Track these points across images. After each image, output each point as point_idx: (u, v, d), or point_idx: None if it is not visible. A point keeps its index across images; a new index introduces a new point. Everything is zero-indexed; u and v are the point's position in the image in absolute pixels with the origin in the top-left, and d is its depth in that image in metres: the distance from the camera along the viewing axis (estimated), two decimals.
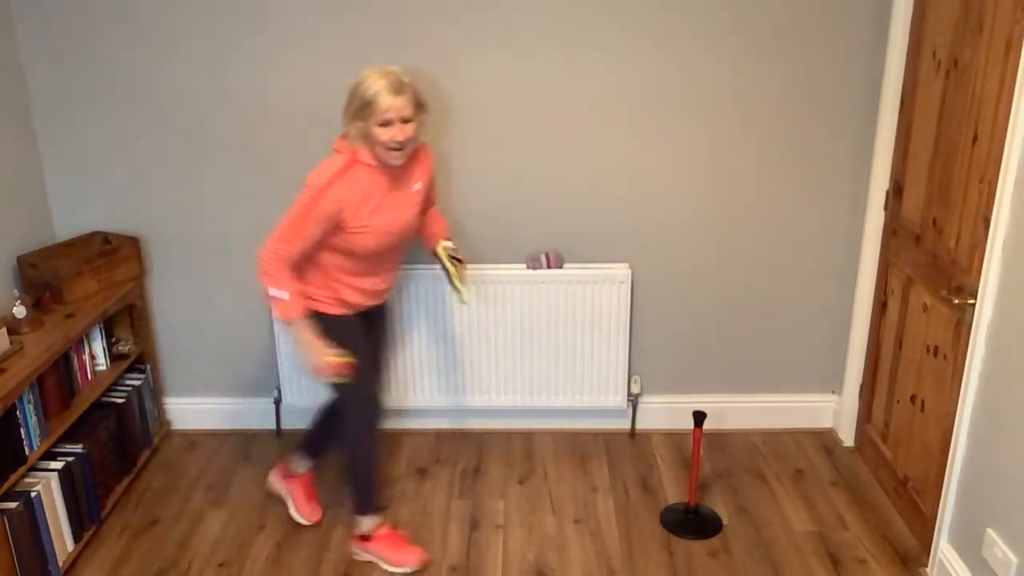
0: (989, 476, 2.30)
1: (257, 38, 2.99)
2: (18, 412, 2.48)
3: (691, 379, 3.40)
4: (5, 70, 2.96)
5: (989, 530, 2.29)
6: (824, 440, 3.38)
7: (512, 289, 3.19)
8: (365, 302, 2.61)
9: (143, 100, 3.08)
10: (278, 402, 3.45)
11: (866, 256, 3.14)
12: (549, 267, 3.18)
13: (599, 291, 3.18)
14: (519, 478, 3.18)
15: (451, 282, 2.66)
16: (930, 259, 2.66)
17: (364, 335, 2.63)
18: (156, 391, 3.39)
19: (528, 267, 3.20)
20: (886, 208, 3.03)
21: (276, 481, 3.01)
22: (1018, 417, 2.16)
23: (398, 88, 2.29)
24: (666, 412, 3.44)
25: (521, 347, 3.26)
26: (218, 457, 3.34)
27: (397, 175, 2.45)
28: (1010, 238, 2.17)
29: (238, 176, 3.17)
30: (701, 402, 3.38)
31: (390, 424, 3.48)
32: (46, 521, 2.56)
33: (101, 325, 3.01)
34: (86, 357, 2.95)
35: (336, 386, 2.60)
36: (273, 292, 2.41)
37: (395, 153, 2.35)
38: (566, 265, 3.22)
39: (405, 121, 2.32)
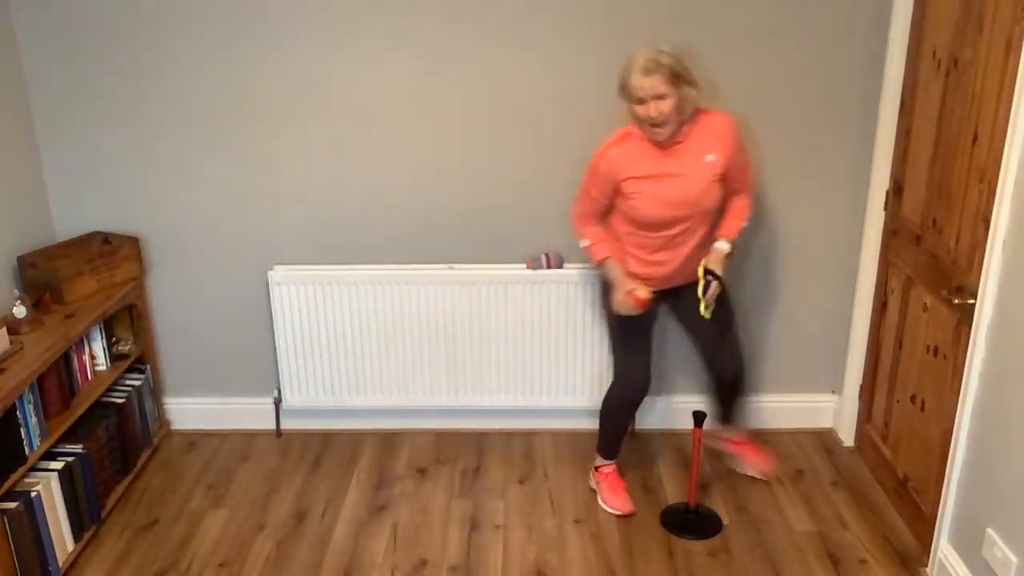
0: (989, 476, 2.30)
1: (257, 38, 2.99)
2: (18, 412, 2.48)
3: (691, 379, 3.40)
4: (5, 70, 2.96)
5: (989, 530, 2.29)
6: (824, 440, 3.38)
7: (512, 289, 3.19)
8: (650, 276, 2.74)
9: (143, 100, 3.08)
10: (278, 402, 3.45)
11: (866, 256, 3.14)
12: (549, 267, 3.19)
13: (599, 291, 3.17)
14: (519, 478, 3.18)
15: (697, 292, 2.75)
16: (930, 259, 2.66)
17: (647, 315, 2.79)
18: (156, 391, 3.39)
19: (528, 267, 3.20)
20: (886, 208, 3.03)
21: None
22: (1018, 417, 2.15)
23: (649, 68, 2.44)
24: (666, 412, 3.44)
25: (521, 347, 3.27)
26: (218, 457, 3.35)
27: (677, 147, 2.58)
28: (1010, 238, 2.17)
29: (238, 176, 3.17)
30: (701, 402, 3.38)
31: (390, 424, 3.49)
32: (46, 521, 2.56)
33: (101, 325, 3.01)
34: (86, 357, 2.95)
35: (718, 324, 2.83)
36: (581, 242, 2.79)
37: (655, 129, 2.52)
38: (566, 265, 3.22)
39: (659, 98, 2.45)
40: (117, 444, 3.03)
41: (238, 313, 3.36)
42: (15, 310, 2.73)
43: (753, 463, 3.13)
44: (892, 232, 2.98)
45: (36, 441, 2.58)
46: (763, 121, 3.05)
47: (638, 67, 2.45)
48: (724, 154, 2.60)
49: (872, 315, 3.16)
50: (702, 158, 2.59)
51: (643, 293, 2.70)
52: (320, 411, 3.47)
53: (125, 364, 3.16)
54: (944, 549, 2.53)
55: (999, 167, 2.20)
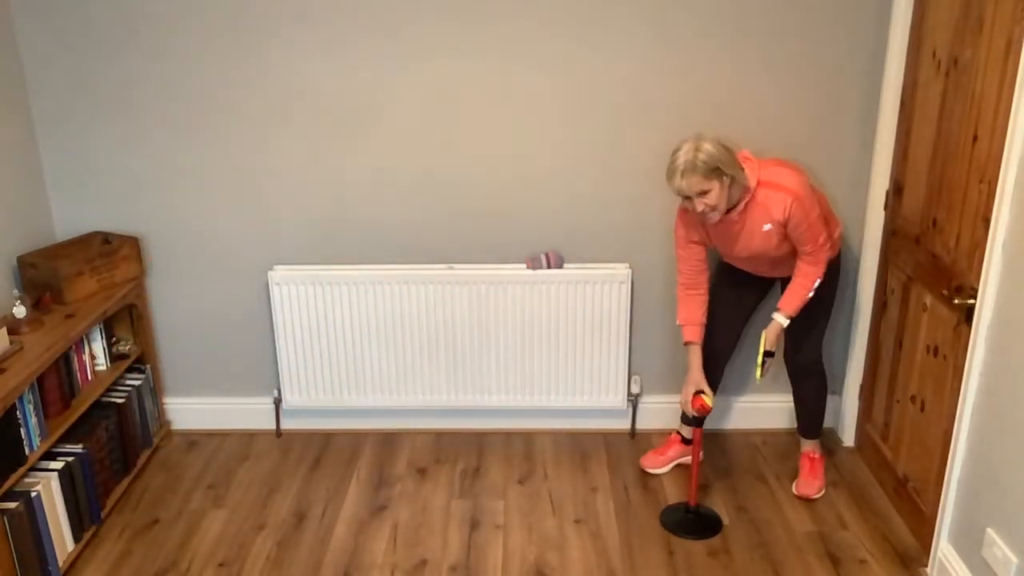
0: (989, 476, 2.30)
1: (258, 38, 2.99)
2: (18, 412, 2.48)
3: None
4: (5, 70, 2.96)
5: (989, 530, 2.29)
6: (824, 440, 3.38)
7: (512, 289, 3.19)
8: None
9: (143, 100, 3.08)
10: (278, 402, 3.45)
11: (866, 256, 3.14)
12: (549, 267, 3.19)
13: (599, 291, 3.18)
14: (519, 478, 3.18)
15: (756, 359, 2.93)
16: (930, 259, 2.66)
17: (737, 289, 2.98)
18: (156, 391, 3.39)
19: (528, 267, 3.20)
20: (886, 208, 3.03)
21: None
22: (1018, 417, 2.15)
23: (686, 170, 2.50)
24: (666, 412, 3.44)
25: (521, 347, 3.27)
26: (218, 457, 3.35)
27: (731, 219, 2.66)
28: (1010, 238, 2.17)
29: (238, 176, 3.17)
30: None
31: (390, 424, 3.49)
32: (46, 521, 2.56)
33: (101, 325, 3.01)
34: (86, 357, 2.95)
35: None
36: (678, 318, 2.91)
37: (707, 215, 2.60)
38: (566, 265, 3.22)
39: (703, 193, 2.53)
40: (117, 444, 3.03)
41: (238, 313, 3.36)
42: (15, 310, 2.73)
43: (801, 480, 3.07)
44: (892, 232, 2.98)
45: (36, 441, 2.58)
46: (763, 121, 3.04)
47: (676, 170, 2.52)
48: (779, 224, 2.63)
49: (872, 315, 3.16)
50: (760, 227, 2.65)
51: (709, 401, 2.82)
52: (320, 411, 3.47)
53: (125, 364, 3.16)
54: (944, 549, 2.53)
55: (999, 167, 2.20)
